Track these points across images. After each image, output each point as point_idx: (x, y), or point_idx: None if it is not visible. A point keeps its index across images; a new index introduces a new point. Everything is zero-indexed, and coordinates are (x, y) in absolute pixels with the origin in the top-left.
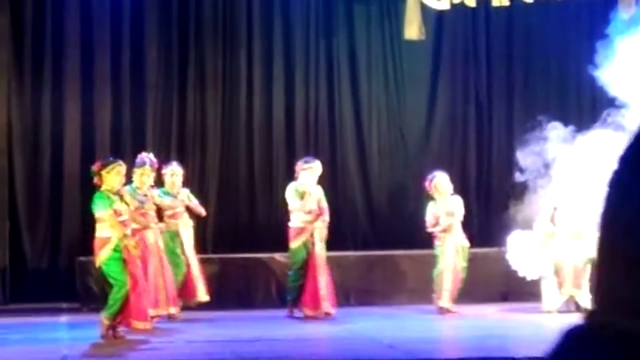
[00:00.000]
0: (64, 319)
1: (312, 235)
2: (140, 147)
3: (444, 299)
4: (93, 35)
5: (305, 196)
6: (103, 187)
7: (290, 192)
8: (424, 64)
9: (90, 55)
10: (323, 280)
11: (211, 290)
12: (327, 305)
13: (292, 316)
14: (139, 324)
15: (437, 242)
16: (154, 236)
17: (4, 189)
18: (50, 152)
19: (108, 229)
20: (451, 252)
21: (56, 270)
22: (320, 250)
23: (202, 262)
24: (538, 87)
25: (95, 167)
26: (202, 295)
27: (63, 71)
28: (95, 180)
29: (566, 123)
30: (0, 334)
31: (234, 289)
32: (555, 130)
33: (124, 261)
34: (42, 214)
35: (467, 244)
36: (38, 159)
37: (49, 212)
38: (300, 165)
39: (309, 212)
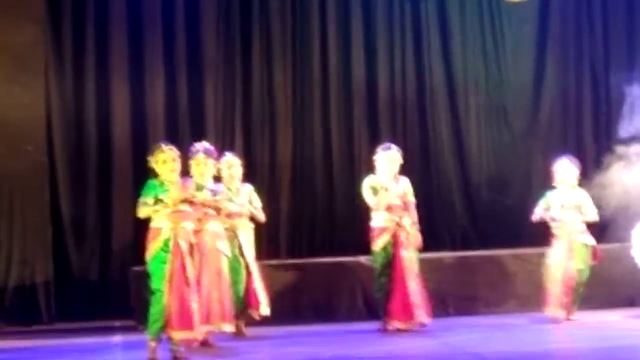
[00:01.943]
0: (117, 339)
1: (394, 235)
2: (200, 136)
3: (552, 306)
4: (142, 11)
5: (380, 191)
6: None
7: (365, 187)
8: (529, 31)
9: (139, 34)
10: (413, 286)
11: (286, 301)
12: (421, 313)
13: (385, 330)
14: (178, 334)
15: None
16: (212, 239)
17: (45, 191)
18: (96, 147)
19: (161, 218)
20: (562, 250)
21: (107, 283)
22: (407, 252)
23: (275, 268)
24: None
25: (149, 159)
26: (264, 308)
27: (109, 53)
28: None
29: None
30: (44, 359)
31: (312, 300)
32: None
33: (171, 264)
34: (90, 218)
35: (589, 241)
36: (82, 156)
37: (97, 216)
38: (377, 154)
39: (389, 209)
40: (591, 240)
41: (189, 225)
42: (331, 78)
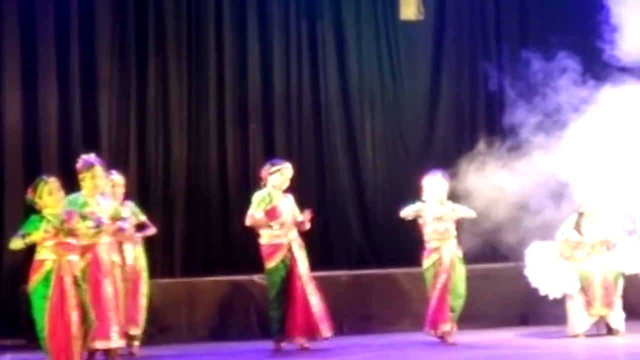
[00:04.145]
0: (7, 357)
1: (290, 250)
2: (94, 151)
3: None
4: (35, 26)
5: (270, 207)
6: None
7: (255, 203)
8: (424, 49)
9: (32, 49)
10: (314, 300)
11: (180, 319)
12: (324, 328)
13: (279, 350)
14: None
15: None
16: (108, 254)
17: None
18: None
19: (44, 251)
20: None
21: None
22: (303, 265)
23: (168, 286)
24: None
25: (28, 195)
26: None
27: (0, 68)
28: (36, 207)
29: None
30: None
31: (206, 318)
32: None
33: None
34: None
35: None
36: None
37: None
38: (266, 169)
39: (282, 225)
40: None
41: (74, 258)
42: (227, 93)
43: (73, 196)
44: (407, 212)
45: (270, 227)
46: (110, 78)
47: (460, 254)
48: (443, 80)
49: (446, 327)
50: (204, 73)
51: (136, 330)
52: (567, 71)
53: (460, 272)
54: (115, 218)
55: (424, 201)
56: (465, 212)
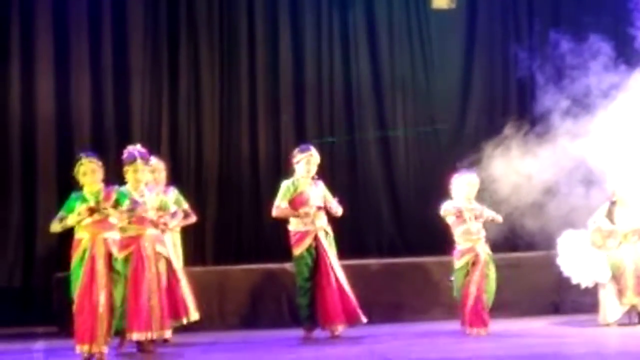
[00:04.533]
0: (39, 345)
1: (315, 238)
2: (126, 140)
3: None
4: (68, 16)
5: (296, 194)
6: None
7: (280, 194)
8: (456, 37)
9: (65, 38)
10: (347, 286)
11: (211, 308)
12: (362, 314)
13: (309, 338)
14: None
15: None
16: (152, 244)
17: None
18: (20, 151)
19: (81, 229)
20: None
21: (30, 290)
22: (331, 253)
23: (201, 275)
24: None
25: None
26: (193, 314)
27: (34, 57)
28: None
29: None
30: None
31: (238, 306)
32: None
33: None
34: (12, 222)
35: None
36: (6, 160)
37: (20, 221)
38: (293, 157)
39: (307, 215)
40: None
41: (111, 236)
42: (258, 82)
43: (121, 189)
44: (448, 210)
45: (297, 215)
46: (143, 68)
47: (490, 252)
48: (475, 67)
49: (482, 332)
50: (235, 63)
51: (179, 322)
52: (599, 54)
53: (493, 271)
54: (162, 209)
55: (452, 199)
56: (493, 215)
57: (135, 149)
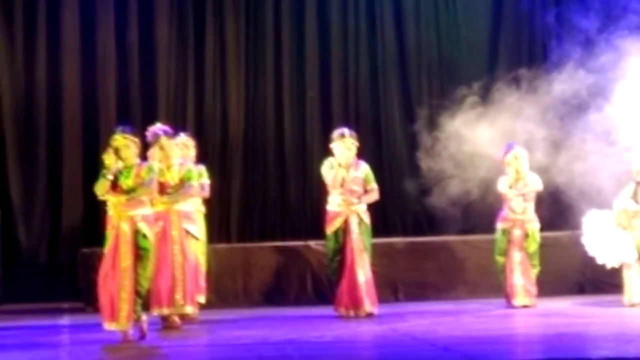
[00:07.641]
0: (65, 320)
1: (346, 221)
2: (152, 118)
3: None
4: None
5: (335, 174)
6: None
7: (324, 169)
8: (482, 14)
9: (91, 14)
10: (361, 274)
11: (236, 285)
12: (367, 303)
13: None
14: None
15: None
16: (179, 220)
17: None
18: (46, 127)
19: (111, 207)
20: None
21: (56, 265)
22: (357, 238)
23: (225, 252)
24: None
25: None
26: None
27: (60, 33)
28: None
29: None
30: None
31: (262, 283)
32: None
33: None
34: (39, 199)
35: (537, 226)
36: (32, 136)
37: (46, 197)
38: (332, 140)
39: (344, 195)
40: (537, 225)
41: (139, 212)
42: (284, 60)
43: (152, 164)
44: (504, 188)
45: (334, 194)
46: (168, 45)
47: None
48: (501, 46)
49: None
50: (261, 41)
51: (202, 298)
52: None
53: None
54: (184, 179)
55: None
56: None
57: (156, 127)
